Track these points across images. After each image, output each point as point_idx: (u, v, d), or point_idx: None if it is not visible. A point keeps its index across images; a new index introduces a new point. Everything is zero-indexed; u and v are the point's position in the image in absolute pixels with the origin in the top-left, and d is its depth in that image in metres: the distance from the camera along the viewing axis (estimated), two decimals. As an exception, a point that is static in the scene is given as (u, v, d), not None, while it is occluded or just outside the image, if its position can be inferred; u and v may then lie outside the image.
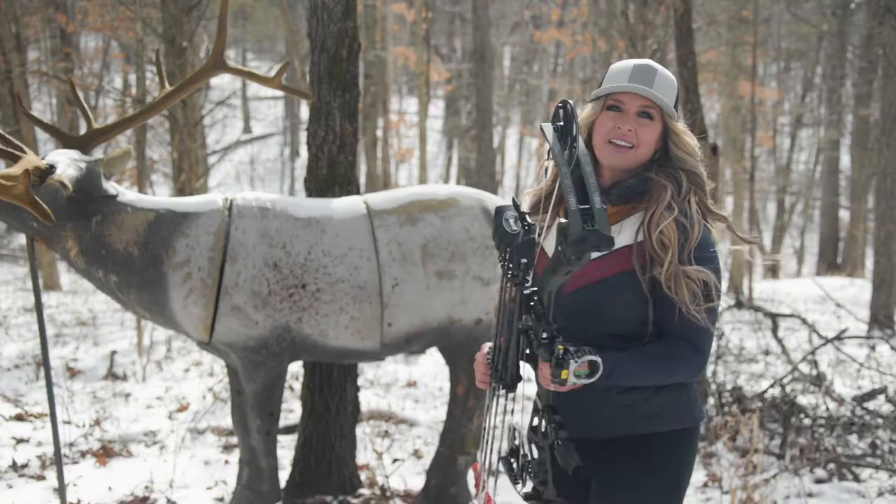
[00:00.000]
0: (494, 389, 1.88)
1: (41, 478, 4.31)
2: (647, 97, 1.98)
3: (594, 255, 1.79)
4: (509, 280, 1.80)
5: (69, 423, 5.14)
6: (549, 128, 1.83)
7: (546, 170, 2.09)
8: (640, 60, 2.06)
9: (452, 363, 3.75)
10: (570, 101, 1.81)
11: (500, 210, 1.83)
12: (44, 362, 3.25)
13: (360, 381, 4.63)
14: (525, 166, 25.38)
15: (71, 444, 4.82)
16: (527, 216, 1.81)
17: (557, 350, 1.72)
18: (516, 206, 1.83)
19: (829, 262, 18.66)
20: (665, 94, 2.00)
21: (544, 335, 1.74)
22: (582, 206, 1.67)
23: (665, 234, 1.93)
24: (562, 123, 1.81)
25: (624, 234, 1.99)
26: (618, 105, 2.01)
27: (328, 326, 3.45)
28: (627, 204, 2.01)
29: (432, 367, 7.14)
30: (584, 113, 2.06)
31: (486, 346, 1.97)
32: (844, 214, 19.43)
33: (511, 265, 1.78)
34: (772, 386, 5.26)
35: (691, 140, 2.03)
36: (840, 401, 5.11)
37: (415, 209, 3.59)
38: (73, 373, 6.59)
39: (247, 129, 28.43)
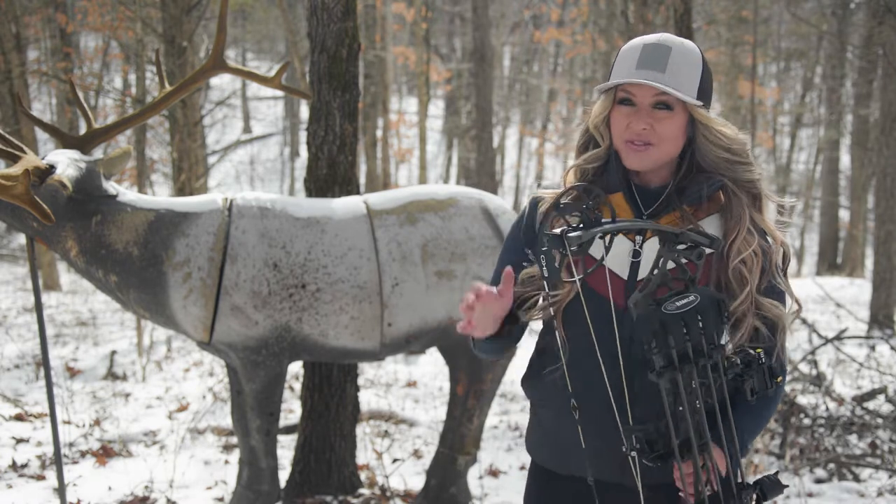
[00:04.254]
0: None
1: (41, 478, 4.31)
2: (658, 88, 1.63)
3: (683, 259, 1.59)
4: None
5: (69, 423, 5.14)
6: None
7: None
8: (652, 38, 1.68)
9: (452, 363, 3.75)
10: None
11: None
12: (44, 362, 3.25)
13: (360, 381, 4.63)
14: (525, 166, 25.39)
15: (71, 444, 4.82)
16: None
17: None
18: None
19: (829, 262, 18.66)
20: (682, 77, 1.64)
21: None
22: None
23: (746, 265, 1.64)
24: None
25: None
26: (629, 97, 1.67)
27: (328, 326, 3.45)
28: (696, 204, 1.71)
29: (432, 367, 7.14)
30: (595, 109, 1.73)
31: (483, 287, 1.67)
32: (844, 214, 19.42)
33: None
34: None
35: (728, 130, 1.67)
36: (840, 401, 5.11)
37: (415, 209, 3.59)
38: (73, 373, 6.59)
39: (247, 129, 28.42)
